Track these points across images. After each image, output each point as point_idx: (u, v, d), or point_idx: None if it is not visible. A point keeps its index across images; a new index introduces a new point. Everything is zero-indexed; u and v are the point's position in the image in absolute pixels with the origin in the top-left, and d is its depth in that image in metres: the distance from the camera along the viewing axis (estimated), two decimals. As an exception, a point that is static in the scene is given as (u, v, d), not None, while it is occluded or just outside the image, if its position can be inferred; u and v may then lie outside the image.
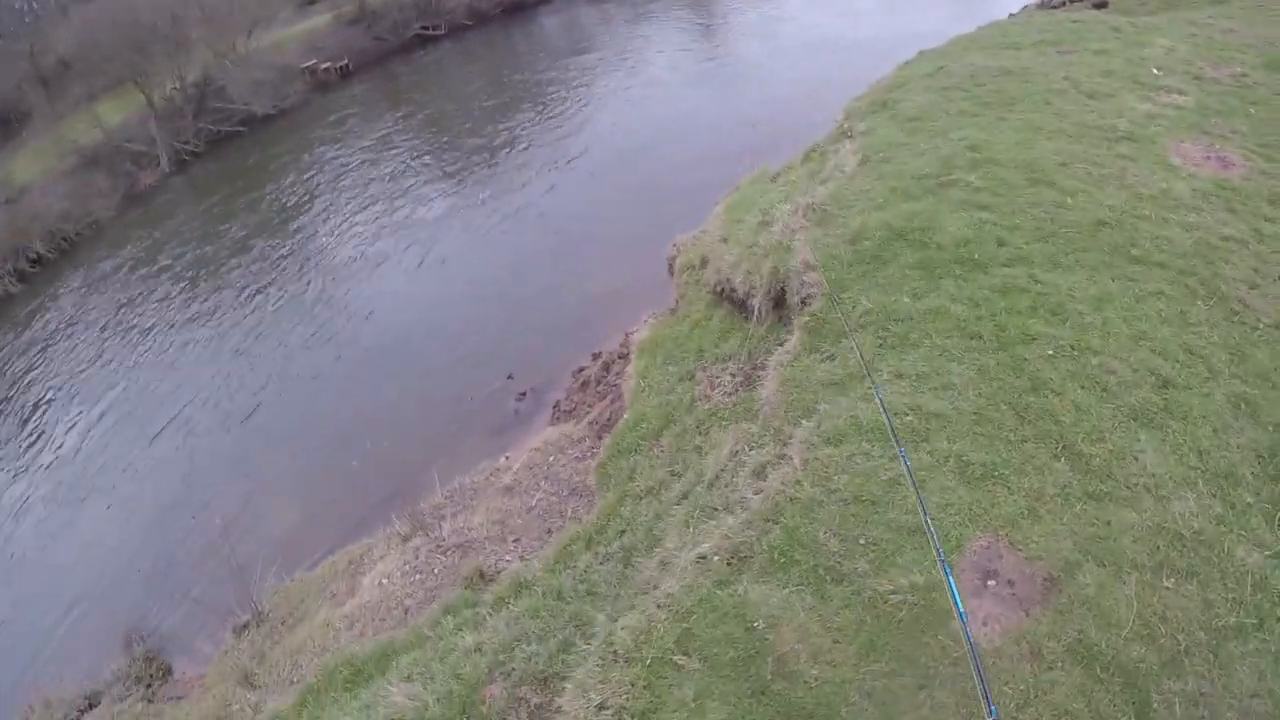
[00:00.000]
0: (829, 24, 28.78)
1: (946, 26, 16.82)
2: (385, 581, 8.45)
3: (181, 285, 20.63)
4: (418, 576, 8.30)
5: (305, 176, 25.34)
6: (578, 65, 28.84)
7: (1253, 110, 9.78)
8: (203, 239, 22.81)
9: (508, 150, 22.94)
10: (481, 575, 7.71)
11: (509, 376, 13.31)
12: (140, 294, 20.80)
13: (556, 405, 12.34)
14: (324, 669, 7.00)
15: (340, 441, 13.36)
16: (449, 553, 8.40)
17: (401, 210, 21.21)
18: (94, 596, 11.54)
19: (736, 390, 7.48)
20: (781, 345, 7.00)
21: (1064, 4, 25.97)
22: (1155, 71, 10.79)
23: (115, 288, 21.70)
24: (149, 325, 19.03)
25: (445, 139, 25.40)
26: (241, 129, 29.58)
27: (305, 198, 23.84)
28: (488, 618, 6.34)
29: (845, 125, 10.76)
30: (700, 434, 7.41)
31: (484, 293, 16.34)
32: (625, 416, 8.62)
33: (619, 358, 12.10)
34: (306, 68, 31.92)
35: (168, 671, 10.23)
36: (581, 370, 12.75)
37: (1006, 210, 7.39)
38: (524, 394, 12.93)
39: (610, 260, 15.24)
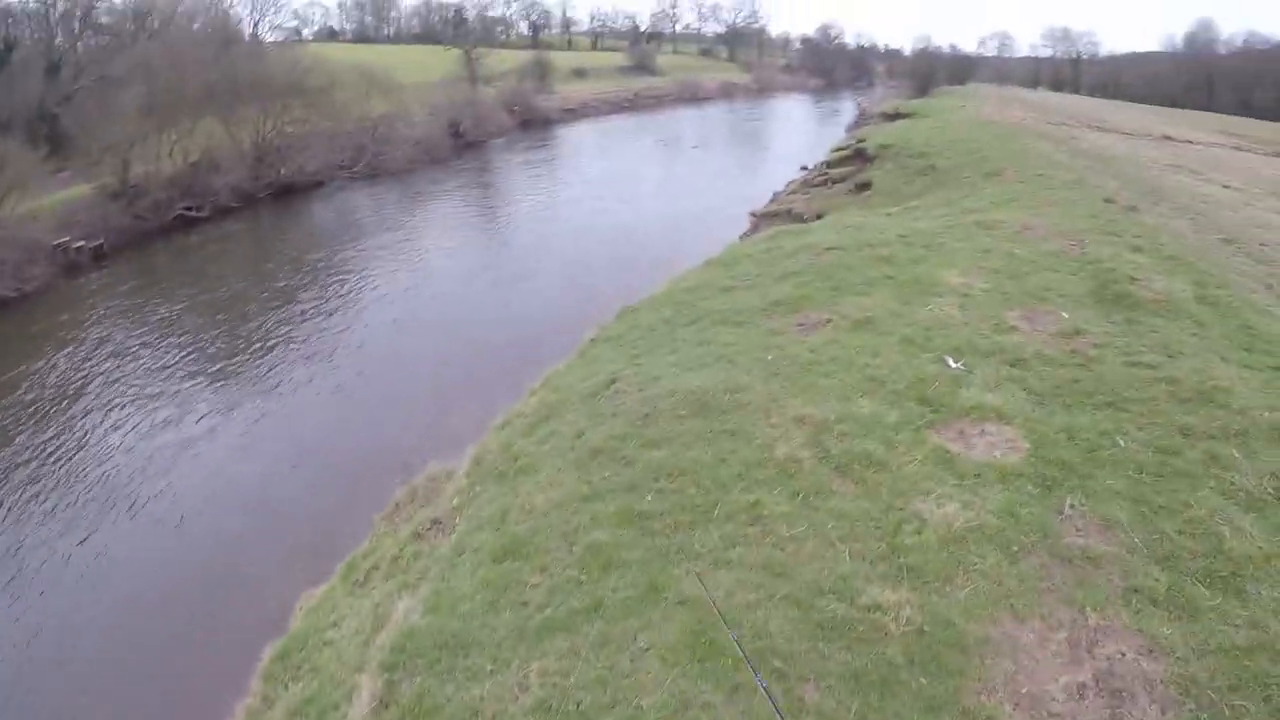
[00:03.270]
0: (614, 209, 28.75)
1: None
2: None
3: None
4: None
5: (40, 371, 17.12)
6: (354, 252, 25.27)
7: (1121, 441, 5.62)
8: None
9: (265, 351, 17.78)
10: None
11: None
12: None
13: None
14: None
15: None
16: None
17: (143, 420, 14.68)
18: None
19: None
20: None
21: (825, 183, 24.47)
22: (953, 365, 7.06)
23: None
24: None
25: (201, 336, 19.03)
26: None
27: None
28: None
29: (455, 503, 6.52)
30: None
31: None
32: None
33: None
34: (58, 245, 24.27)
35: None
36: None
37: None
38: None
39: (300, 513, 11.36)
